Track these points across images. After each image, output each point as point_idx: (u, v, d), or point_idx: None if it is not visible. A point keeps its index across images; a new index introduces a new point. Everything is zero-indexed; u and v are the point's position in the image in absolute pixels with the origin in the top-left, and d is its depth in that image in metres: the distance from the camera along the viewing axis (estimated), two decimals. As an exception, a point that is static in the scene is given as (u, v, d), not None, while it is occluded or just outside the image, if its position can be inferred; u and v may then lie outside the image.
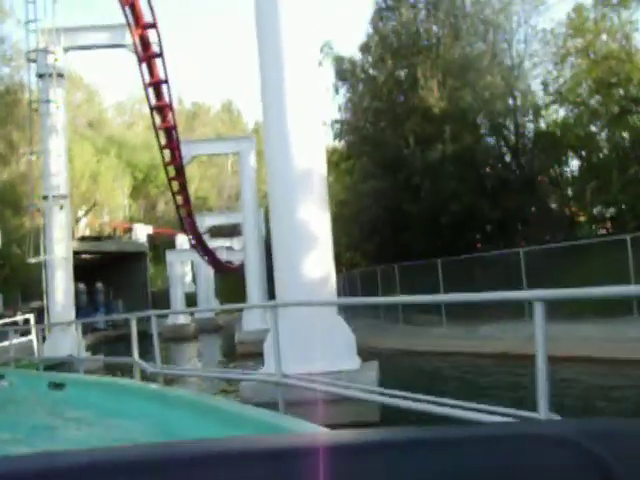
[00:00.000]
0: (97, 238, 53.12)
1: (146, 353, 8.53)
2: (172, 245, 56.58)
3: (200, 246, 42.67)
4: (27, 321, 26.26)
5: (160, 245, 61.35)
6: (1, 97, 37.49)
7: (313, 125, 12.51)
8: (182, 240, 52.30)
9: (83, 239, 49.60)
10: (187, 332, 46.33)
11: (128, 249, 53.88)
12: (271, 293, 33.53)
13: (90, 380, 7.09)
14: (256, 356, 18.57)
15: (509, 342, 19.80)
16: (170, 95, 26.26)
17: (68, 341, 22.21)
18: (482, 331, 21.53)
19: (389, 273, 28.17)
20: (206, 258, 46.46)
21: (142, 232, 59.57)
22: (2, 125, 36.80)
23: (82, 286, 45.34)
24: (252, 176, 34.52)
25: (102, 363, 23.94)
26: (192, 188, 41.97)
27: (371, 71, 31.17)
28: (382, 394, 5.52)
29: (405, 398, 4.69)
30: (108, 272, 52.21)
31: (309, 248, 11.90)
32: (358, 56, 32.22)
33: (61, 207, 22.05)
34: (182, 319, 47.75)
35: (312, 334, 10.89)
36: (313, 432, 1.90)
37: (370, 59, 31.07)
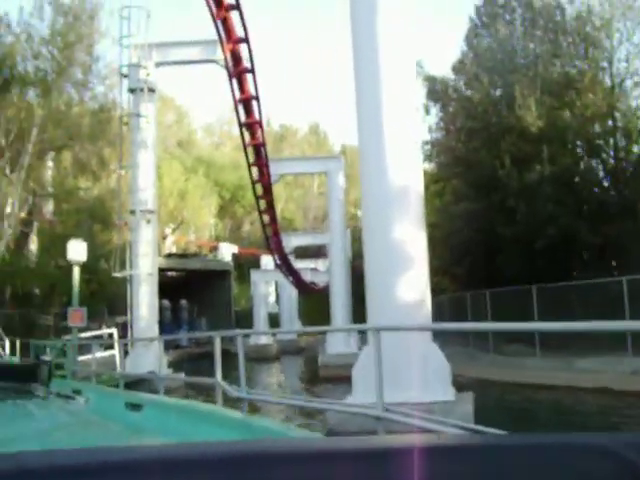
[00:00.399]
0: (183, 255, 53.63)
1: (228, 373, 8.01)
2: (256, 265, 56.64)
3: (285, 266, 42.41)
4: (111, 335, 26.38)
5: (244, 265, 61.58)
6: (94, 115, 38.36)
7: (409, 142, 11.95)
8: (266, 260, 52.36)
9: (169, 256, 50.19)
10: (269, 353, 46.03)
11: (213, 267, 54.14)
12: (355, 316, 33.13)
13: (169, 402, 6.50)
14: (340, 380, 17.79)
15: (610, 376, 18.51)
16: (260, 112, 26.09)
17: (150, 357, 22.03)
18: (579, 363, 20.22)
19: (479, 299, 27.00)
20: (290, 278, 46.19)
21: (227, 251, 59.99)
22: (95, 142, 37.61)
23: (167, 303, 45.63)
24: (340, 197, 34.05)
25: (183, 382, 23.77)
26: (278, 209, 41.82)
27: (465, 90, 30.30)
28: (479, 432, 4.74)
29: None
30: (193, 290, 52.57)
31: (404, 269, 11.18)
32: (450, 76, 31.46)
33: (148, 222, 22.05)
34: (264, 339, 47.53)
35: (406, 361, 10.12)
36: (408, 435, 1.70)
37: (464, 78, 30.22)
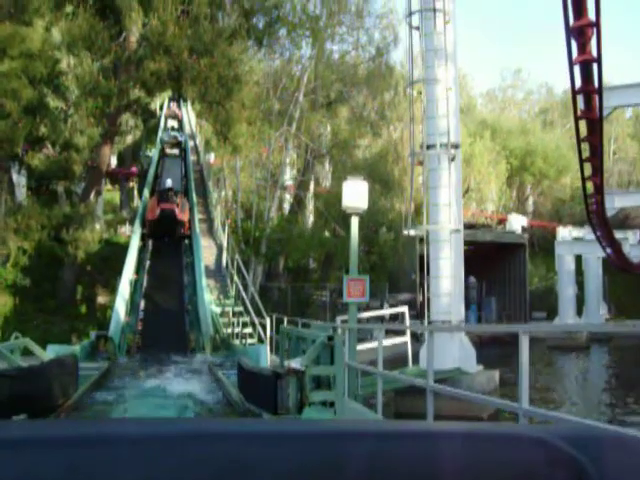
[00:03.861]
0: (471, 226, 47.01)
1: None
2: (546, 240, 48.64)
3: (604, 236, 33.69)
4: (395, 317, 20.82)
5: (534, 239, 53.88)
6: (371, 61, 33.31)
7: None
8: (564, 233, 44.45)
9: (455, 227, 43.92)
10: (577, 341, 37.81)
11: (505, 240, 46.82)
12: None
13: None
14: None
15: None
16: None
17: (454, 348, 15.90)
18: None
19: None
20: (609, 251, 37.17)
21: (517, 223, 52.27)
22: (373, 91, 32.53)
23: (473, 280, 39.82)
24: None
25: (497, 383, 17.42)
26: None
27: None
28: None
29: None
30: (481, 265, 45.82)
31: None
32: None
33: (452, 159, 15.79)
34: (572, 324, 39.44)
35: None
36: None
37: None
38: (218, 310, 17.71)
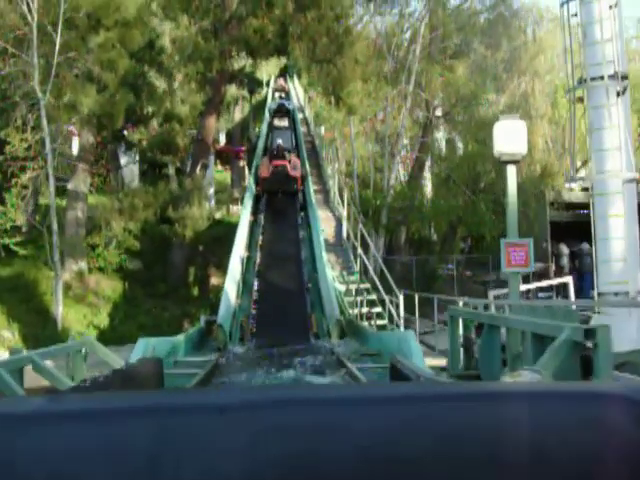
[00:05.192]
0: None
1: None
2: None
3: None
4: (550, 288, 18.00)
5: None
6: (492, 9, 29.96)
7: None
8: None
9: (585, 189, 39.60)
10: None
11: None
12: None
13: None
14: None
15: None
16: None
17: (632, 326, 12.97)
18: None
19: None
20: None
21: None
22: (497, 42, 29.20)
23: (564, 247, 35.78)
24: None
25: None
26: None
27: None
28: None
29: None
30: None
31: None
32: None
33: (622, 92, 12.70)
34: None
35: None
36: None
37: None
38: (342, 288, 15.56)
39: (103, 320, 20.39)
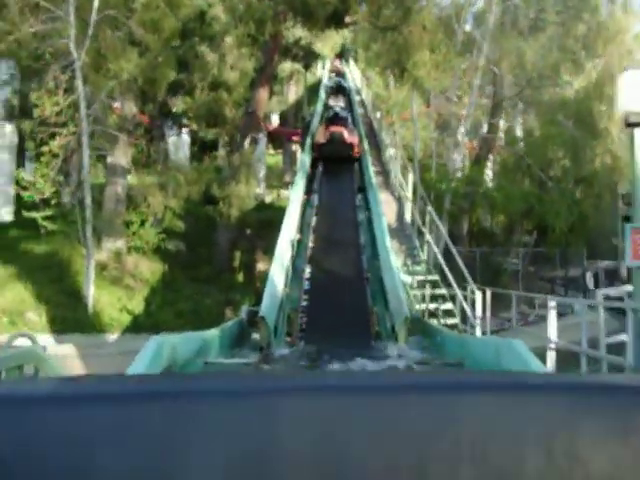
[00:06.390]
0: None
1: None
2: None
3: None
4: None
5: None
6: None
7: None
8: None
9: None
10: None
11: None
12: None
13: None
14: None
15: None
16: None
17: None
18: None
19: None
20: None
21: None
22: (578, 15, 26.58)
23: None
24: None
25: None
26: None
27: None
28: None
29: None
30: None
31: None
32: None
33: None
34: None
35: None
36: None
37: None
38: (408, 279, 13.49)
39: (138, 305, 18.67)
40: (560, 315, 21.27)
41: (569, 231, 27.23)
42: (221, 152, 23.64)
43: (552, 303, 9.72)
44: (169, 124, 27.19)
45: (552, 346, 9.53)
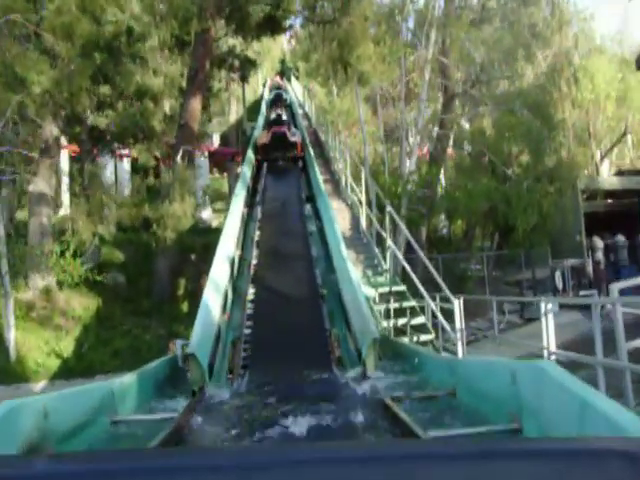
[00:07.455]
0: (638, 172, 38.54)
1: None
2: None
3: None
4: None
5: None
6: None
7: None
8: None
9: (620, 173, 35.52)
10: None
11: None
12: None
13: None
14: None
15: None
16: None
17: None
18: None
19: None
20: None
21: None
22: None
23: (598, 241, 32.00)
24: None
25: None
26: None
27: None
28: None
29: None
30: (630, 222, 37.50)
31: None
32: None
33: None
34: None
35: None
36: None
37: None
38: (372, 293, 11.69)
39: (68, 346, 16.44)
40: (531, 320, 19.70)
41: (532, 230, 25.96)
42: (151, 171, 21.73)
43: (549, 305, 7.92)
44: (101, 148, 25.10)
45: (552, 357, 7.79)
